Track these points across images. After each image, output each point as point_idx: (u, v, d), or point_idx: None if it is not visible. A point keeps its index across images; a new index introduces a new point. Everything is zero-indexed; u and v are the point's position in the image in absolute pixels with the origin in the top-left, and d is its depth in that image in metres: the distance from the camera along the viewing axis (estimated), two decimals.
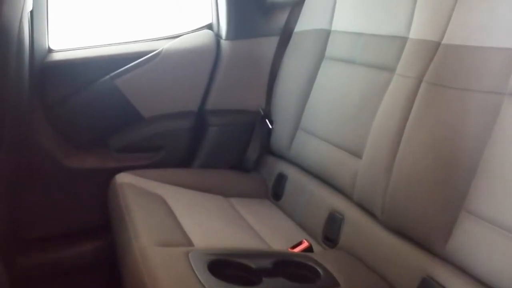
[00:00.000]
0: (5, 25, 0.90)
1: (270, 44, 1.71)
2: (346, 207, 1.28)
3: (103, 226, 1.52)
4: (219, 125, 1.69)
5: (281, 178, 1.58)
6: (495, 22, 0.96)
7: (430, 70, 1.06)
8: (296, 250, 1.18)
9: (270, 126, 1.67)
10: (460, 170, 0.97)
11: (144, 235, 1.10)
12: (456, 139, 0.98)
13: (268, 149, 1.70)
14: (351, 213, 1.25)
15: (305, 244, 1.19)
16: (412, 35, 1.17)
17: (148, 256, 1.00)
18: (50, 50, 1.57)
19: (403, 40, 1.20)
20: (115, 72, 1.56)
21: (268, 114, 1.70)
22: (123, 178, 1.45)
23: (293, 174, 1.54)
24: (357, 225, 1.22)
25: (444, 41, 1.05)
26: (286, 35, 1.69)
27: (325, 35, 1.51)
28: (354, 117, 1.31)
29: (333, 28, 1.50)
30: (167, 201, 1.36)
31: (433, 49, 1.08)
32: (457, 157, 0.97)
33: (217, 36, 1.70)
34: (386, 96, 1.20)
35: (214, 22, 1.73)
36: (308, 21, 1.60)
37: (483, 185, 0.94)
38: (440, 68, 1.04)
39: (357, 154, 1.27)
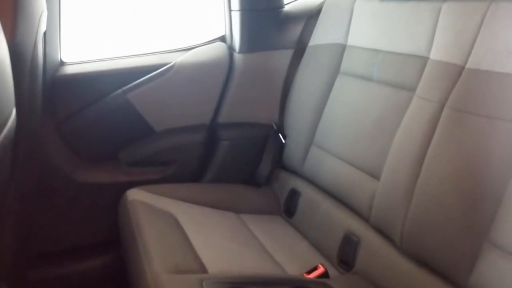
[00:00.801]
0: (19, 47, 0.89)
1: (284, 57, 1.69)
2: (362, 229, 1.25)
3: (113, 240, 1.50)
4: (231, 139, 1.67)
5: (293, 194, 1.56)
6: None
7: (453, 95, 1.03)
8: (312, 276, 1.15)
9: (283, 141, 1.64)
10: (485, 200, 0.94)
11: (157, 261, 1.08)
12: (480, 168, 0.95)
13: (280, 164, 1.68)
14: (368, 236, 1.23)
15: (320, 270, 1.16)
16: (433, 56, 1.14)
17: (162, 284, 0.98)
18: (62, 63, 1.55)
19: (424, 60, 1.17)
20: (128, 86, 1.54)
21: (281, 128, 1.67)
22: (134, 194, 1.43)
23: (306, 191, 1.51)
24: (374, 249, 1.20)
25: (468, 66, 1.03)
26: (300, 49, 1.66)
27: (341, 49, 1.48)
28: (371, 137, 1.28)
29: (348, 43, 1.47)
30: (179, 220, 1.34)
31: (456, 73, 1.05)
32: (481, 187, 0.95)
33: (230, 48, 1.68)
34: (405, 118, 1.17)
35: (227, 34, 1.70)
36: (323, 35, 1.57)
37: (508, 216, 0.91)
38: (465, 93, 1.01)
39: (375, 175, 1.24)
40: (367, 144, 1.30)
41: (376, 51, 1.34)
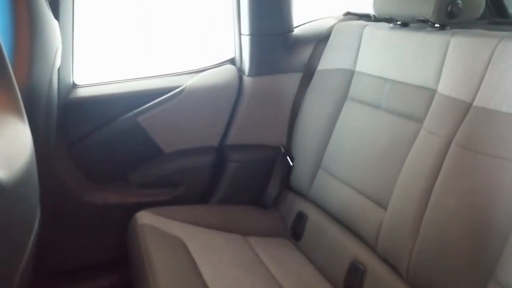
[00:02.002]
0: (35, 85, 0.91)
1: (292, 80, 1.70)
2: (368, 258, 1.26)
3: (121, 260, 1.52)
4: (239, 161, 1.68)
5: (301, 217, 1.57)
6: None
7: (461, 132, 1.04)
8: None
9: (291, 163, 1.65)
10: (490, 238, 0.95)
11: None
12: (487, 207, 0.96)
13: (288, 186, 1.69)
14: (374, 266, 1.24)
15: None
16: (441, 90, 1.15)
17: None
18: (74, 86, 1.57)
19: (432, 92, 1.19)
20: (138, 109, 1.57)
21: (289, 151, 1.69)
22: (143, 218, 1.45)
23: (313, 215, 1.52)
24: (380, 279, 1.21)
25: (475, 103, 1.04)
26: (309, 72, 1.67)
27: (349, 75, 1.50)
28: (379, 165, 1.30)
29: (357, 69, 1.48)
30: (187, 245, 1.36)
31: (463, 109, 1.06)
32: (487, 225, 0.96)
33: (240, 71, 1.70)
34: (413, 150, 1.18)
35: (237, 57, 1.72)
36: (332, 59, 1.58)
37: None
38: (472, 131, 1.02)
39: (382, 205, 1.25)
40: (374, 173, 1.31)
41: (384, 79, 1.35)
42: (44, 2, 0.99)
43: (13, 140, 0.54)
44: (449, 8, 1.22)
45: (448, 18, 1.23)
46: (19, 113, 0.58)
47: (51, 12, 1.07)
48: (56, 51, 1.01)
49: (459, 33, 1.18)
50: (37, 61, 0.88)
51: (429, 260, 1.06)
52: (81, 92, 1.57)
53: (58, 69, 1.43)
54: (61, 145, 1.54)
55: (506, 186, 0.94)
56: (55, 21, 1.05)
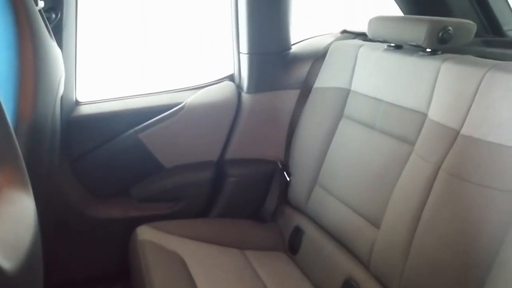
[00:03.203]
0: (39, 116, 0.95)
1: (290, 97, 1.74)
2: (362, 276, 1.30)
3: (123, 272, 1.56)
4: (238, 176, 1.73)
5: (298, 232, 1.61)
6: None
7: (449, 159, 1.08)
8: None
9: (288, 179, 1.69)
10: (476, 265, 0.99)
11: None
12: (472, 234, 1.00)
13: (286, 200, 1.73)
14: (367, 284, 1.27)
15: None
16: (431, 115, 1.19)
17: None
18: (77, 103, 1.62)
19: (423, 116, 1.22)
20: (139, 126, 1.61)
21: (286, 166, 1.73)
22: (143, 233, 1.49)
23: (310, 230, 1.56)
24: None
25: (462, 132, 1.07)
26: (306, 89, 1.71)
27: (345, 94, 1.53)
28: (373, 185, 1.33)
29: (352, 88, 1.51)
30: (185, 261, 1.40)
31: (451, 137, 1.10)
32: (472, 252, 1.00)
33: (239, 88, 1.74)
34: (404, 173, 1.22)
35: (236, 74, 1.76)
36: (328, 78, 1.62)
37: (499, 281, 0.96)
38: (459, 159, 1.06)
39: (375, 224, 1.29)
40: (368, 192, 1.35)
41: (379, 100, 1.39)
42: (47, 32, 1.02)
43: (19, 221, 0.56)
44: (440, 34, 1.25)
45: (439, 44, 1.27)
46: (23, 185, 0.61)
47: (54, 41, 1.11)
48: (60, 80, 1.05)
49: (449, 59, 1.22)
50: (41, 94, 0.93)
51: (418, 282, 1.10)
52: (84, 110, 1.61)
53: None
54: (64, 161, 1.58)
55: (490, 214, 0.98)
56: (58, 50, 1.09)
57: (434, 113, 1.18)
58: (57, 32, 1.43)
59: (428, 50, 1.30)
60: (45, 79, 0.94)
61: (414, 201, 1.14)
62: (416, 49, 1.35)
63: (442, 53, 1.31)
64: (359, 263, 1.33)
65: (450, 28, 1.26)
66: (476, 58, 1.23)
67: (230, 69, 1.79)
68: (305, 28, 1.94)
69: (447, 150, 1.09)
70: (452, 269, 1.03)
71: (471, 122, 1.06)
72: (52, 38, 1.10)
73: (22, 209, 0.59)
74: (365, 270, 1.30)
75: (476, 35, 1.80)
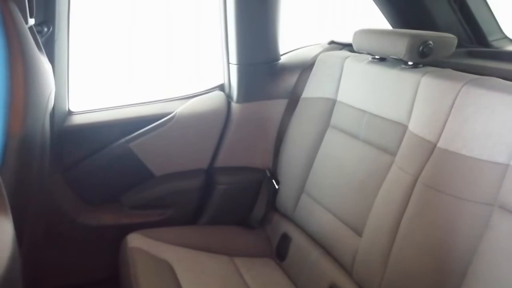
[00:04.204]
0: (29, 131, 0.98)
1: (278, 107, 1.78)
2: (345, 283, 1.34)
3: (114, 280, 1.59)
4: (227, 184, 1.76)
5: (285, 239, 1.64)
6: (488, 136, 1.02)
7: (426, 171, 1.12)
8: None
9: (276, 187, 1.73)
10: (450, 274, 1.03)
11: None
12: (447, 244, 1.04)
13: (274, 207, 1.77)
14: None
15: None
16: (411, 127, 1.23)
17: None
18: (70, 113, 1.65)
19: (404, 128, 1.26)
20: (130, 136, 1.64)
21: (274, 174, 1.76)
22: (133, 241, 1.52)
23: (297, 237, 1.60)
24: None
25: (439, 145, 1.11)
26: (294, 99, 1.75)
27: (331, 104, 1.57)
28: (357, 194, 1.37)
29: (338, 99, 1.55)
30: (174, 268, 1.44)
31: (429, 149, 1.13)
32: (447, 261, 1.03)
33: (228, 97, 1.78)
34: (385, 183, 1.26)
35: (226, 84, 1.80)
36: (315, 88, 1.65)
37: None
38: (435, 171, 1.10)
39: (358, 232, 1.33)
40: (352, 201, 1.39)
41: (363, 111, 1.43)
42: (37, 48, 1.06)
43: None
44: (420, 48, 1.29)
45: (420, 58, 1.31)
46: (1, 208, 0.63)
47: (45, 55, 1.14)
48: (50, 94, 1.09)
49: (429, 72, 1.26)
50: (31, 109, 0.96)
51: None
52: (76, 119, 1.65)
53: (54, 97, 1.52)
54: (56, 169, 1.62)
55: (464, 225, 1.02)
56: (48, 65, 1.12)
57: (414, 126, 1.22)
58: (49, 45, 1.47)
59: (410, 63, 1.34)
60: (35, 95, 0.97)
61: (393, 211, 1.18)
62: (399, 61, 1.39)
63: (423, 66, 1.35)
64: (343, 270, 1.37)
65: (431, 42, 1.30)
66: (456, 72, 1.27)
67: (221, 79, 1.83)
68: (296, 38, 1.97)
69: (425, 162, 1.13)
70: (427, 277, 1.07)
71: (447, 135, 1.10)
72: (42, 53, 1.13)
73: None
74: (348, 277, 1.34)
75: (461, 45, 1.85)
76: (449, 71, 1.28)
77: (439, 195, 1.07)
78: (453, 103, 1.11)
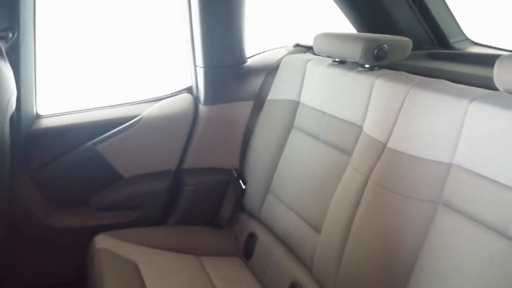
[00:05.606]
0: None
1: (245, 108, 1.81)
2: (305, 279, 1.38)
3: (80, 281, 1.62)
4: (195, 184, 1.79)
5: (252, 238, 1.68)
6: (433, 136, 1.07)
7: (376, 171, 1.16)
8: None
9: (244, 187, 1.77)
10: (399, 269, 1.07)
11: None
12: (395, 241, 1.08)
13: (241, 207, 1.80)
14: (310, 287, 1.35)
15: None
16: (365, 128, 1.27)
17: None
18: (38, 116, 1.67)
19: (359, 129, 1.31)
20: (97, 138, 1.67)
21: (241, 175, 1.80)
22: (100, 242, 1.55)
23: (263, 236, 1.63)
24: None
25: (388, 145, 1.16)
26: (260, 101, 1.79)
27: (295, 106, 1.61)
28: (316, 193, 1.41)
29: (301, 101, 1.59)
30: (140, 269, 1.46)
31: (379, 149, 1.18)
32: (396, 257, 1.08)
33: (196, 99, 1.81)
34: (341, 182, 1.30)
35: (194, 86, 1.83)
36: (280, 90, 1.69)
37: (418, 285, 1.04)
38: (385, 170, 1.14)
39: (317, 230, 1.37)
40: (313, 200, 1.43)
41: (323, 113, 1.47)
42: None
43: None
44: (375, 52, 1.34)
45: (375, 61, 1.35)
46: None
47: (6, 61, 1.17)
48: (10, 99, 1.11)
49: (383, 75, 1.30)
50: None
51: (350, 285, 1.18)
52: (45, 123, 1.67)
53: (21, 100, 1.54)
54: (24, 172, 1.64)
55: (411, 222, 1.06)
56: (9, 70, 1.15)
57: (367, 127, 1.27)
58: (14, 50, 1.48)
59: (367, 66, 1.38)
60: None
61: (347, 209, 1.22)
62: (357, 64, 1.43)
63: (379, 68, 1.39)
64: (304, 267, 1.41)
65: (385, 45, 1.34)
66: (408, 74, 1.32)
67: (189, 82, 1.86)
68: (262, 41, 2.01)
69: (376, 162, 1.18)
70: (378, 273, 1.11)
71: (396, 136, 1.15)
72: (4, 59, 1.16)
73: None
74: (309, 273, 1.38)
75: (423, 48, 1.90)
76: (402, 73, 1.33)
77: (388, 194, 1.11)
78: (402, 104, 1.16)
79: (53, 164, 1.66)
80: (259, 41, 2.02)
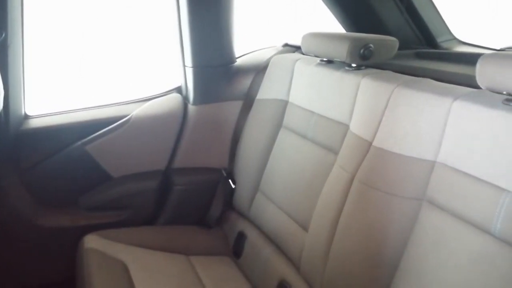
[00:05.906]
0: None
1: (234, 108, 1.82)
2: (293, 278, 1.39)
3: (70, 281, 1.62)
4: (184, 184, 1.80)
5: (241, 237, 1.69)
6: (417, 134, 1.08)
7: (361, 169, 1.18)
8: None
9: (233, 186, 1.77)
10: (384, 266, 1.08)
11: None
12: (380, 238, 1.10)
13: (230, 206, 1.81)
14: (297, 285, 1.36)
15: None
16: (351, 127, 1.29)
17: None
18: (26, 117, 1.67)
19: (346, 128, 1.32)
20: (87, 138, 1.67)
21: (230, 174, 1.81)
22: (90, 242, 1.55)
23: (252, 235, 1.64)
24: None
25: (374, 143, 1.17)
26: (249, 101, 1.80)
27: (283, 105, 1.62)
28: (304, 192, 1.42)
29: (290, 100, 1.60)
30: (129, 268, 1.47)
31: (365, 148, 1.19)
32: (381, 254, 1.09)
33: (185, 99, 1.81)
34: (327, 181, 1.31)
35: (183, 86, 1.83)
36: (269, 90, 1.70)
37: (403, 282, 1.05)
38: (370, 169, 1.15)
39: (305, 228, 1.38)
40: (301, 198, 1.44)
41: (311, 112, 1.48)
42: None
43: None
44: (361, 51, 1.35)
45: (361, 60, 1.36)
46: None
47: None
48: None
49: (369, 74, 1.32)
50: None
51: (336, 282, 1.19)
52: (33, 123, 1.66)
53: (9, 101, 1.54)
54: (13, 172, 1.63)
55: (395, 219, 1.08)
56: None
57: (354, 126, 1.28)
58: (2, 50, 1.48)
59: (353, 65, 1.40)
60: None
61: (333, 207, 1.23)
62: (344, 64, 1.44)
63: (366, 68, 1.40)
64: (292, 265, 1.42)
65: (371, 45, 1.36)
66: (394, 73, 1.33)
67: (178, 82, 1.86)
68: (251, 41, 2.02)
69: (361, 161, 1.19)
70: (363, 270, 1.12)
71: (381, 134, 1.16)
72: None
73: None
74: (297, 272, 1.39)
75: (411, 47, 1.92)
76: (388, 73, 1.34)
77: (373, 192, 1.13)
78: (387, 103, 1.17)
79: (42, 165, 1.66)
80: (248, 41, 2.03)
